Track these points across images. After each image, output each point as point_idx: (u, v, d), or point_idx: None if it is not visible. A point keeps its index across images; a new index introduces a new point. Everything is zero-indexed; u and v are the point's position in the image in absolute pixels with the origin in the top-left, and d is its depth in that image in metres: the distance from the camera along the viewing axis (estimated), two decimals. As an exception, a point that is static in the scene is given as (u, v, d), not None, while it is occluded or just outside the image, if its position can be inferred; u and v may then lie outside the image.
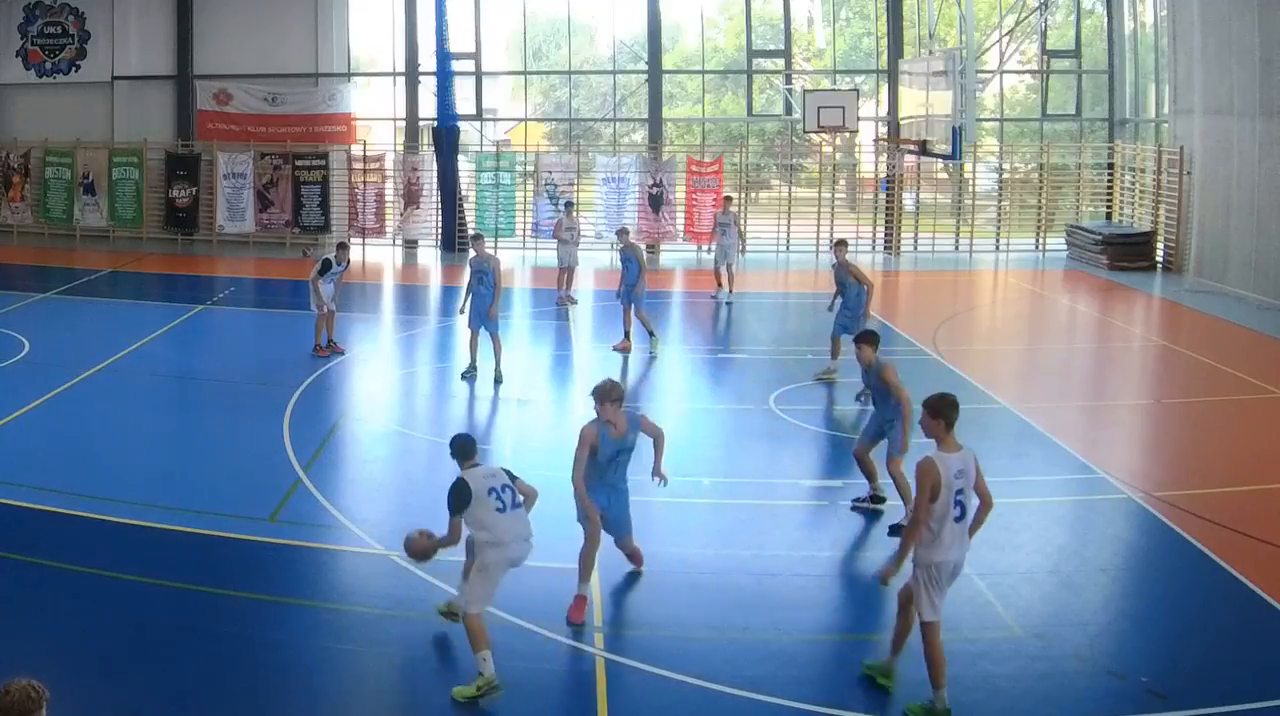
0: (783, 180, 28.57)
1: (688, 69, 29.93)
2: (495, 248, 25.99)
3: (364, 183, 26.80)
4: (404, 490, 10.88)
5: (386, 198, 27.12)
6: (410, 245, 27.28)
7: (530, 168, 26.79)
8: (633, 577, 8.71)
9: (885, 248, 26.93)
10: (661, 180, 26.04)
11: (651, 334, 16.35)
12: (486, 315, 14.51)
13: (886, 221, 27.01)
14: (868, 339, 10.37)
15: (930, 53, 23.01)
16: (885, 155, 26.57)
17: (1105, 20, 27.67)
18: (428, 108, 27.08)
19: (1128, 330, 19.09)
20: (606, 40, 28.83)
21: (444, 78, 25.94)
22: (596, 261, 24.31)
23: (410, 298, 23.04)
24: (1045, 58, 27.85)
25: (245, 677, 7.13)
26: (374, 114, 28.37)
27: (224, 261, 25.29)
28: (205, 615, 7.95)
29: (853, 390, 13.42)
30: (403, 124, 27.87)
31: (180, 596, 8.20)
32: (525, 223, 26.72)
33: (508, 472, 7.36)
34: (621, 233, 17.71)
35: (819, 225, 26.70)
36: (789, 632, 7.99)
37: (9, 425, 12.23)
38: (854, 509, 10.11)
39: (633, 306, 16.30)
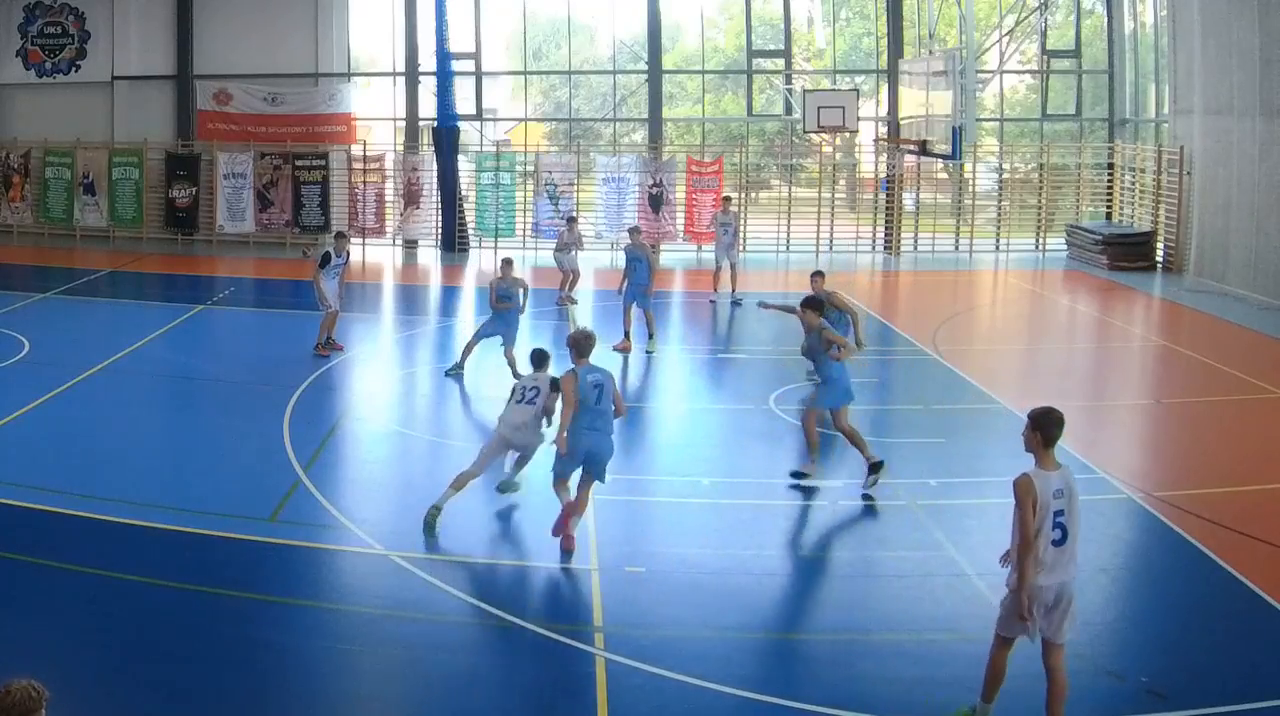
0: (783, 180, 28.57)
1: (688, 69, 29.94)
2: (495, 247, 26.10)
3: (364, 183, 26.79)
4: (404, 490, 10.85)
5: (386, 198, 27.11)
6: (410, 245, 27.27)
7: (530, 168, 26.78)
8: (633, 577, 8.71)
9: (885, 248, 26.94)
10: (661, 180, 26.03)
11: (651, 336, 16.37)
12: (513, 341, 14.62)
13: (886, 221, 27.01)
14: (813, 305, 10.71)
15: (930, 53, 23.02)
16: (885, 155, 26.57)
17: (1105, 20, 27.68)
18: (428, 108, 27.08)
19: (1128, 330, 19.08)
20: (606, 40, 28.85)
21: (444, 78, 25.94)
22: (597, 261, 24.29)
23: (410, 298, 23.04)
24: (1045, 58, 27.84)
25: (245, 677, 7.12)
26: (374, 114, 28.38)
27: (224, 261, 25.28)
28: (205, 615, 7.94)
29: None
30: (403, 124, 27.87)
31: (180, 596, 8.19)
32: (525, 223, 26.72)
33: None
34: (634, 231, 17.70)
35: (819, 225, 26.72)
36: (789, 632, 7.99)
37: (9, 425, 12.20)
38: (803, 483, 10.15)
39: (636, 306, 16.31)
